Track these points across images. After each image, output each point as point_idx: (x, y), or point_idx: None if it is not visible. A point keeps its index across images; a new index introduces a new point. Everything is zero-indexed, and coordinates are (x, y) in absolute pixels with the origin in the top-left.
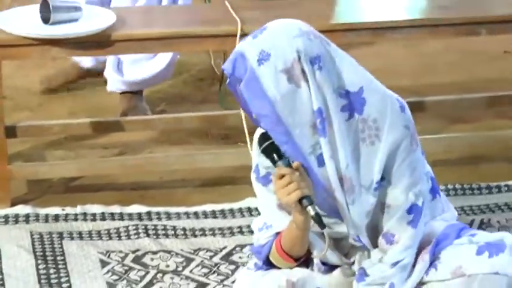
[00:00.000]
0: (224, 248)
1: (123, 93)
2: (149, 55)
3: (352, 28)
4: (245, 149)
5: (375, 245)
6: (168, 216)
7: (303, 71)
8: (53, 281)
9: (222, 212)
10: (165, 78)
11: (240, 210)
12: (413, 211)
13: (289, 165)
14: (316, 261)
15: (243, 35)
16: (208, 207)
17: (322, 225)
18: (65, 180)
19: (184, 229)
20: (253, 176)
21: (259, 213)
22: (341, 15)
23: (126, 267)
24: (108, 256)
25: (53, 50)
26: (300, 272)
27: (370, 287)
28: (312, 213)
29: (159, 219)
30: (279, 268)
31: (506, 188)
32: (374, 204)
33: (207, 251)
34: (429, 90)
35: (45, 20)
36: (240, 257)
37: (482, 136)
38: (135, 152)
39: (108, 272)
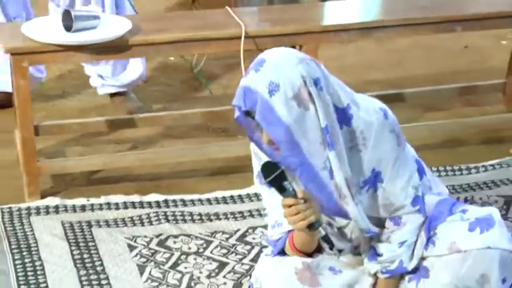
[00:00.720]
0: (238, 230)
1: (113, 95)
2: (124, 63)
3: (343, 29)
4: (246, 140)
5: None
6: (184, 203)
7: (310, 94)
8: (87, 265)
9: (232, 197)
10: (143, 78)
11: (248, 195)
12: (417, 202)
13: (294, 194)
14: (325, 246)
15: (247, 36)
16: (219, 194)
17: (331, 244)
18: (87, 173)
19: (200, 214)
20: (256, 180)
21: None
22: (332, 17)
23: (152, 251)
24: (135, 241)
25: (76, 55)
26: (315, 256)
27: (380, 264)
28: (321, 235)
29: (176, 206)
30: None
31: (483, 169)
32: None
33: (223, 234)
34: (402, 83)
35: (68, 28)
36: (253, 238)
37: (458, 122)
38: (146, 146)
39: (136, 255)
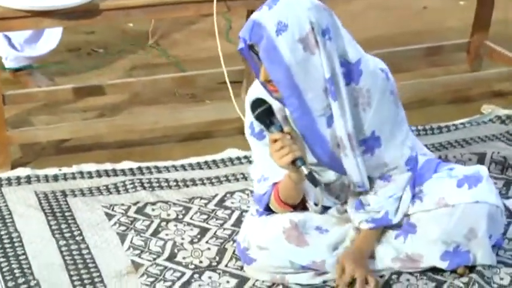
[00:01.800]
0: (216, 195)
1: (18, 70)
2: (39, 33)
3: None
4: (217, 104)
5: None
6: (158, 169)
7: (316, 41)
8: (66, 235)
9: (206, 163)
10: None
11: (223, 160)
12: (410, 162)
13: (281, 130)
14: (311, 205)
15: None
16: (193, 160)
17: (315, 183)
18: (56, 142)
19: (176, 181)
20: (247, 131)
21: (240, 163)
22: None
23: (131, 218)
24: (112, 209)
25: (45, 21)
26: (300, 214)
27: (367, 214)
28: (305, 172)
29: (150, 173)
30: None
31: (454, 127)
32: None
33: (201, 199)
34: (361, 45)
35: None
36: (232, 203)
37: (425, 82)
38: (113, 114)
39: (115, 223)
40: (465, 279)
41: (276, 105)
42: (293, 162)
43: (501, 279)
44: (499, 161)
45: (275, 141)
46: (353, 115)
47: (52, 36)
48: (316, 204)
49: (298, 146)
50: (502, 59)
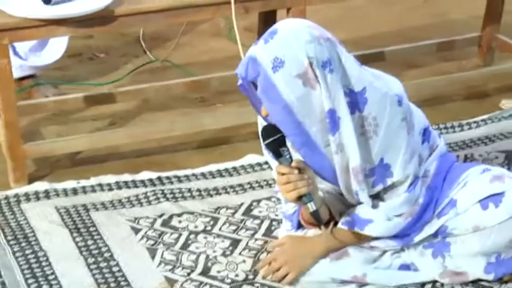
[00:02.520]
0: (242, 204)
1: (22, 79)
2: (44, 42)
3: None
4: (233, 109)
5: None
6: (179, 179)
7: (315, 75)
8: (94, 252)
9: (227, 170)
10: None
11: (243, 167)
12: (413, 187)
13: (290, 163)
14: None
15: (236, 1)
16: (213, 167)
17: (319, 221)
18: (70, 154)
19: (199, 190)
20: (265, 152)
21: (261, 169)
22: None
23: (158, 232)
24: (138, 223)
25: (59, 29)
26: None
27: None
28: (311, 210)
29: (171, 183)
30: None
31: (475, 124)
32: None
33: (227, 209)
34: (367, 41)
35: (47, 1)
36: (259, 212)
37: (441, 79)
38: (125, 121)
39: (142, 238)
40: None
41: None
42: (300, 197)
43: None
44: None
45: (282, 174)
46: (359, 144)
47: (57, 45)
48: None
49: (305, 182)
50: None
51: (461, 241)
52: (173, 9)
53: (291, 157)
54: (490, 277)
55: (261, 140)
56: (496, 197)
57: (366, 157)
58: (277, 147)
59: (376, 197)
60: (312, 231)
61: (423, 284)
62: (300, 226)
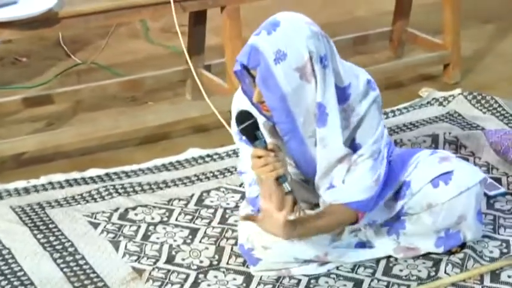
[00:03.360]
0: (193, 195)
1: None
2: None
3: None
4: (167, 106)
5: None
6: (126, 174)
7: (313, 69)
8: (57, 247)
9: (172, 164)
10: None
11: (187, 160)
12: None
13: (265, 146)
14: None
15: (175, 1)
16: (158, 162)
17: (295, 202)
18: (15, 156)
19: (149, 184)
20: (236, 137)
21: (206, 162)
22: None
23: (117, 225)
24: (95, 218)
25: (4, 32)
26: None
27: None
28: (286, 190)
29: (120, 178)
30: None
31: (398, 112)
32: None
33: (179, 200)
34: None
35: None
36: (211, 201)
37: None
38: (62, 122)
39: (102, 231)
40: (460, 255)
41: (261, 118)
42: (276, 178)
43: (490, 252)
44: (452, 141)
45: (259, 157)
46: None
47: None
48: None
49: (281, 163)
50: (426, 43)
51: (415, 219)
52: (114, 10)
53: (265, 141)
54: (440, 250)
55: (235, 125)
56: (445, 176)
57: (347, 140)
58: (253, 131)
59: None
60: None
61: (378, 260)
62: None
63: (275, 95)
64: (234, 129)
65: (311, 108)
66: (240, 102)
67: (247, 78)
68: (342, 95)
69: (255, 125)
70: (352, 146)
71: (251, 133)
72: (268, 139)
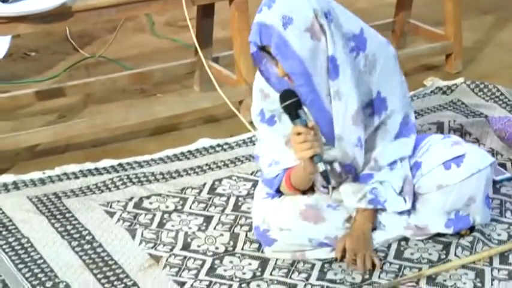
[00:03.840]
0: (205, 184)
1: None
2: None
3: None
4: (176, 98)
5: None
6: (139, 164)
7: (321, 26)
8: (75, 235)
9: (183, 154)
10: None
11: (198, 150)
12: (412, 128)
13: (305, 124)
14: (319, 188)
15: None
16: (169, 152)
17: (328, 181)
18: (29, 147)
19: (161, 173)
20: (257, 118)
21: (216, 151)
22: None
23: (132, 214)
24: (110, 206)
25: (20, 26)
26: (311, 197)
27: (367, 193)
28: (321, 169)
29: (133, 168)
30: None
31: None
32: (375, 123)
33: (192, 189)
34: None
35: None
36: (223, 190)
37: None
38: (73, 115)
39: (118, 220)
40: (469, 239)
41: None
42: (311, 157)
43: (498, 235)
44: (457, 128)
45: (298, 134)
46: (361, 81)
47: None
48: (325, 187)
49: (318, 143)
50: (428, 34)
51: (425, 199)
52: (125, 4)
53: (306, 120)
54: (449, 231)
55: (279, 102)
56: (457, 159)
57: (366, 91)
58: (296, 109)
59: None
60: (288, 198)
61: (389, 244)
62: (277, 192)
63: (293, 61)
64: (254, 111)
65: (324, 64)
66: (261, 82)
67: (264, 58)
68: (360, 40)
69: (298, 103)
70: (377, 98)
71: (294, 111)
72: (308, 119)
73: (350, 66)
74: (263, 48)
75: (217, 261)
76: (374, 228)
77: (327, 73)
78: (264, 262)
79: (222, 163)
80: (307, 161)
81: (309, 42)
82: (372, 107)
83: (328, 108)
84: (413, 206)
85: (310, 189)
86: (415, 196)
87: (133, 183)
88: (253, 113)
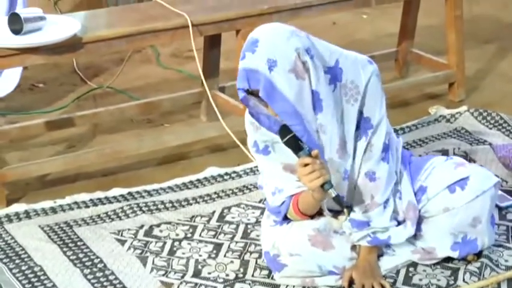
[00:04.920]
0: (214, 212)
1: None
2: None
3: (276, 11)
4: (183, 128)
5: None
6: (149, 193)
7: (304, 64)
8: (87, 263)
9: (192, 183)
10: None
11: (207, 179)
12: (385, 148)
13: (309, 154)
14: (326, 212)
15: (193, 25)
16: (178, 181)
17: (341, 204)
18: (39, 177)
19: (171, 201)
20: (252, 150)
21: (225, 180)
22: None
23: (143, 242)
24: (121, 235)
25: (32, 57)
26: (319, 221)
27: (369, 230)
28: (333, 195)
29: (142, 197)
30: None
31: (408, 129)
32: (364, 146)
33: (201, 217)
34: None
35: (16, 31)
36: (232, 217)
37: None
38: (82, 145)
39: (129, 248)
40: (477, 264)
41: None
42: (321, 185)
43: (506, 261)
44: (461, 155)
45: (305, 165)
46: (345, 110)
47: (10, 79)
48: (336, 212)
49: (327, 170)
50: (430, 63)
51: (431, 221)
52: (134, 35)
53: (309, 150)
54: (456, 254)
55: (280, 138)
56: (461, 182)
57: (351, 120)
58: (297, 141)
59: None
60: (296, 224)
61: (398, 270)
62: (285, 219)
63: (283, 103)
64: (249, 142)
65: (310, 100)
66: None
67: (251, 101)
68: (335, 72)
69: (297, 136)
70: (361, 120)
71: (295, 144)
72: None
73: (332, 99)
74: (250, 92)
75: None
76: (381, 254)
77: (313, 109)
78: None
79: (231, 191)
80: (318, 188)
81: (294, 83)
82: (358, 129)
83: (320, 144)
84: (420, 229)
85: (317, 213)
86: (421, 219)
87: (143, 211)
88: (249, 145)
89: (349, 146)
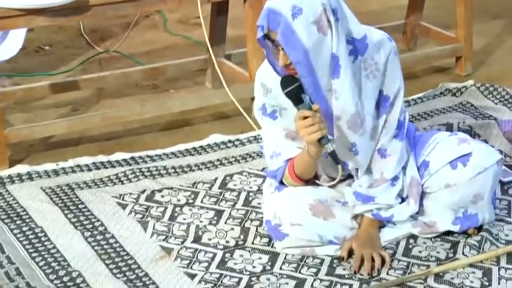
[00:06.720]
0: (216, 178)
1: None
2: (1, 38)
3: None
4: (188, 94)
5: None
6: (151, 158)
7: (328, 21)
8: (88, 226)
9: (195, 149)
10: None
11: (210, 146)
12: (399, 126)
13: (309, 108)
14: (324, 178)
15: None
16: (181, 147)
17: (337, 160)
18: (43, 139)
19: (173, 167)
20: (259, 112)
21: (226, 147)
22: None
23: (144, 206)
24: (123, 199)
25: (38, 19)
26: (319, 190)
27: (373, 206)
28: (330, 150)
29: (145, 162)
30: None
31: (413, 102)
32: (380, 126)
33: (203, 184)
34: None
35: None
36: (234, 185)
37: None
38: (86, 108)
39: (130, 212)
40: (477, 238)
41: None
42: (319, 139)
43: (506, 235)
44: (466, 129)
45: (305, 118)
46: (364, 85)
47: (15, 42)
48: (333, 179)
49: (325, 125)
50: (439, 37)
51: (433, 197)
52: None
53: (310, 103)
54: (457, 228)
55: (281, 89)
56: (463, 158)
57: (371, 95)
58: (299, 93)
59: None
60: (296, 191)
61: (398, 242)
62: (281, 184)
63: (298, 51)
64: (256, 105)
65: (327, 60)
66: (263, 77)
67: (270, 46)
68: (361, 46)
69: (300, 88)
70: (381, 98)
71: (296, 96)
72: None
73: (350, 69)
74: (268, 37)
75: (227, 255)
76: (382, 226)
77: (329, 69)
78: (274, 256)
79: (233, 159)
80: (314, 143)
81: (315, 34)
82: (377, 107)
83: (329, 102)
84: (421, 204)
85: (313, 182)
86: (423, 194)
87: (146, 176)
88: (256, 107)
89: (367, 123)
